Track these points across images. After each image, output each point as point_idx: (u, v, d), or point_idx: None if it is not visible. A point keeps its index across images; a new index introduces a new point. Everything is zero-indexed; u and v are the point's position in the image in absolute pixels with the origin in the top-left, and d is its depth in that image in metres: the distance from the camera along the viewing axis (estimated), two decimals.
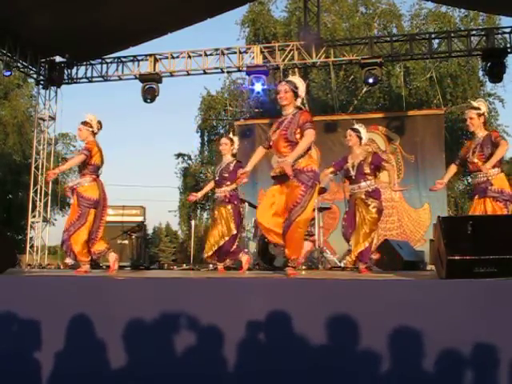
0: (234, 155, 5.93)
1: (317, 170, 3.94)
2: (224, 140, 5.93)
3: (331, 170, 5.64)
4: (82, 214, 5.03)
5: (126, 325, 2.81)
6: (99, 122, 5.32)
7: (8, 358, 2.95)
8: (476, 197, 4.75)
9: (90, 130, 5.23)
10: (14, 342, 2.97)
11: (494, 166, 4.61)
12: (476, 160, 4.68)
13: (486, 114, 4.83)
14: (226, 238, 5.62)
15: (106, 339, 2.84)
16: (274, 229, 3.92)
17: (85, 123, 5.23)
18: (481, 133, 4.75)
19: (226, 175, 5.67)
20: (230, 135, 6.34)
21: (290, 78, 4.21)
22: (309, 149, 3.91)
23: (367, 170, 5.34)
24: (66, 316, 2.90)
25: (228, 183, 5.66)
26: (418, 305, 2.57)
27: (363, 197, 5.29)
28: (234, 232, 5.61)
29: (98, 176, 5.19)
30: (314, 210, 7.50)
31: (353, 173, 5.36)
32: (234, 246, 5.70)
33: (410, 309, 2.57)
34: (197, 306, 2.78)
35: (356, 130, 5.44)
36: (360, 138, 5.43)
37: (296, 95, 4.00)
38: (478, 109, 4.77)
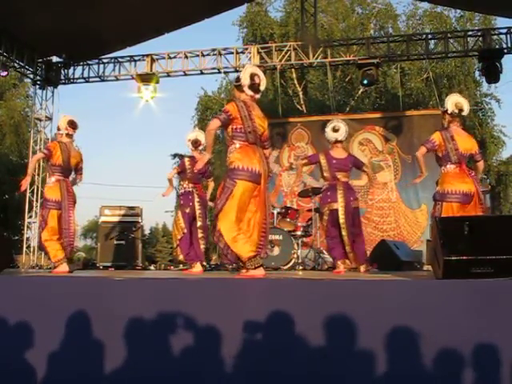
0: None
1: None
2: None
3: (304, 161, 5.91)
4: (43, 216, 5.03)
5: (124, 325, 2.81)
6: (71, 122, 5.28)
7: (5, 359, 2.95)
8: None
9: (59, 132, 5.29)
10: (11, 342, 2.97)
11: (439, 165, 4.69)
12: None
13: (451, 111, 4.65)
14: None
15: (103, 340, 2.84)
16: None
17: (58, 128, 5.33)
18: None
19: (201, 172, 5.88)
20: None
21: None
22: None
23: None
24: (63, 317, 2.89)
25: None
26: (415, 305, 2.57)
27: None
28: None
29: (65, 176, 5.15)
30: (310, 210, 7.58)
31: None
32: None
33: (408, 309, 2.57)
34: (195, 307, 2.78)
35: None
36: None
37: None
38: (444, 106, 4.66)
